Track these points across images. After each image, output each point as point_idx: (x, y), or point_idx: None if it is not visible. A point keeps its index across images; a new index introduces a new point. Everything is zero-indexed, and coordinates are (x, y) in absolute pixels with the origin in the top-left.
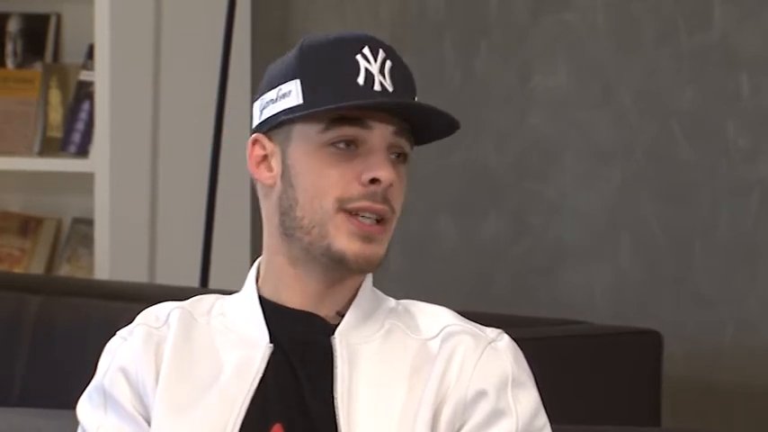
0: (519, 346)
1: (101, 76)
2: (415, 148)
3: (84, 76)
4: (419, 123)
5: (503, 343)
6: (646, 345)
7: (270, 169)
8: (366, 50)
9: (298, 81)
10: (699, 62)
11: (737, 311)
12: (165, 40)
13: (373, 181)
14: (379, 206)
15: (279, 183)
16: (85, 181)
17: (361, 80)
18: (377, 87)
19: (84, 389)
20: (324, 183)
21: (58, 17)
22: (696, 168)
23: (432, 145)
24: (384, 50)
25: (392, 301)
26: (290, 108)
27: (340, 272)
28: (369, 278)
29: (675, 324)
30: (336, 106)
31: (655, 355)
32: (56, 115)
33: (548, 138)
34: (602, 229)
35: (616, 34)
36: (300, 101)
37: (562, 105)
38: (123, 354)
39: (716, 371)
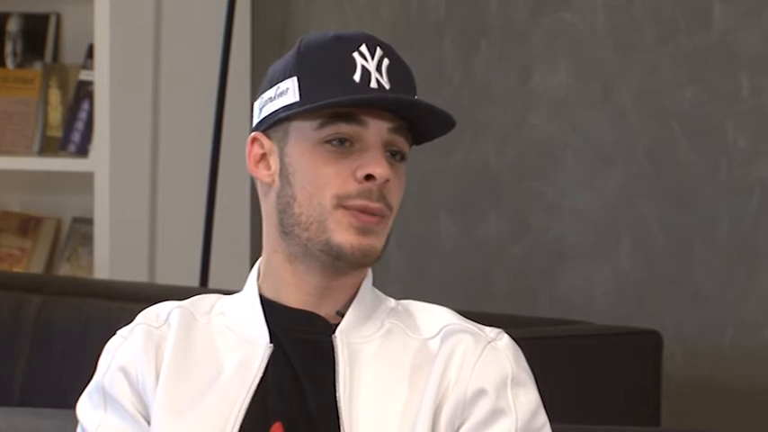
0: (519, 345)
1: (100, 76)
2: (415, 148)
3: (84, 75)
4: (415, 121)
5: (502, 342)
6: (646, 345)
7: (268, 167)
8: (363, 48)
9: (295, 78)
10: (699, 62)
11: (737, 311)
12: (165, 40)
13: (368, 177)
14: (374, 205)
15: (277, 180)
16: (85, 180)
17: (357, 77)
18: (373, 84)
19: (84, 388)
20: (320, 180)
21: (58, 17)
22: (696, 168)
23: (432, 145)
24: (382, 49)
25: (392, 301)
26: (287, 105)
27: (338, 268)
28: (369, 278)
29: (675, 324)
30: (327, 102)
31: (655, 355)
32: (56, 115)
33: (548, 138)
34: (602, 230)
35: (616, 34)
36: (297, 98)
37: (562, 105)
38: (123, 353)
39: (716, 371)
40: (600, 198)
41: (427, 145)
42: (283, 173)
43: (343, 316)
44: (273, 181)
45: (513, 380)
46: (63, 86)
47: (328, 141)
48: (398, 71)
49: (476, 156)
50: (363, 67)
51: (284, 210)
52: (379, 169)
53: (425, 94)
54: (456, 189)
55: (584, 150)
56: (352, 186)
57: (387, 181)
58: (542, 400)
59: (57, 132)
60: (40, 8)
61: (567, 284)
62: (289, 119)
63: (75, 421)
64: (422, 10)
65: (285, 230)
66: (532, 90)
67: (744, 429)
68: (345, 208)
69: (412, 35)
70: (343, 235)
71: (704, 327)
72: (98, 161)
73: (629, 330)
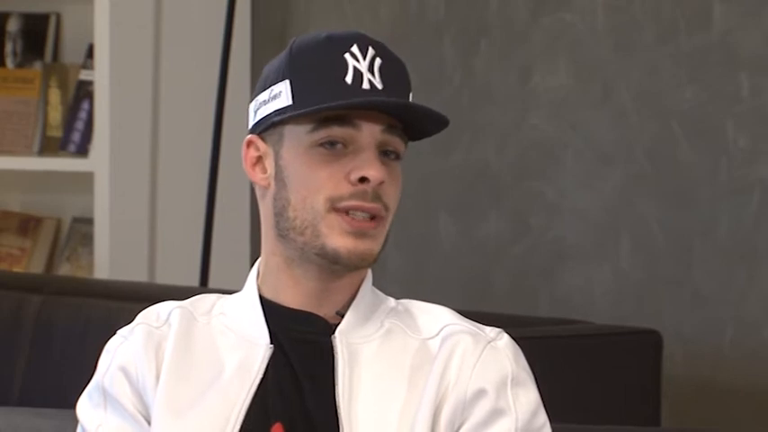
0: (519, 345)
1: (100, 76)
2: (416, 148)
3: (84, 75)
4: (409, 120)
5: (502, 342)
6: (646, 345)
7: (264, 171)
8: (355, 48)
9: (287, 82)
10: (699, 62)
11: (737, 311)
12: (165, 40)
13: (362, 180)
14: (369, 204)
15: (273, 184)
16: (85, 180)
17: (349, 79)
18: (365, 86)
19: (84, 388)
20: (314, 183)
21: (58, 17)
22: (696, 168)
23: (431, 145)
24: (374, 48)
25: (392, 301)
26: (281, 109)
27: (335, 270)
28: (368, 278)
29: (675, 324)
30: (319, 107)
31: (655, 355)
32: (55, 115)
33: (548, 138)
34: (602, 229)
35: (616, 34)
36: (290, 102)
37: (562, 105)
38: (123, 353)
39: (716, 371)
40: (600, 198)
41: (427, 145)
42: (278, 176)
43: (342, 316)
44: (269, 184)
45: (513, 380)
46: (63, 86)
47: (321, 144)
48: (391, 70)
49: (476, 156)
50: (355, 68)
51: (280, 213)
52: (373, 171)
53: (425, 94)
54: (456, 189)
55: (584, 150)
56: (345, 189)
57: (381, 182)
58: (542, 399)
59: (57, 132)
60: (40, 8)
61: (567, 284)
62: (282, 122)
63: (75, 421)
64: (421, 10)
65: (281, 234)
66: (532, 90)
67: (744, 429)
68: (337, 211)
69: (411, 35)
70: (337, 239)
71: (704, 327)
72: (98, 161)
73: (629, 330)
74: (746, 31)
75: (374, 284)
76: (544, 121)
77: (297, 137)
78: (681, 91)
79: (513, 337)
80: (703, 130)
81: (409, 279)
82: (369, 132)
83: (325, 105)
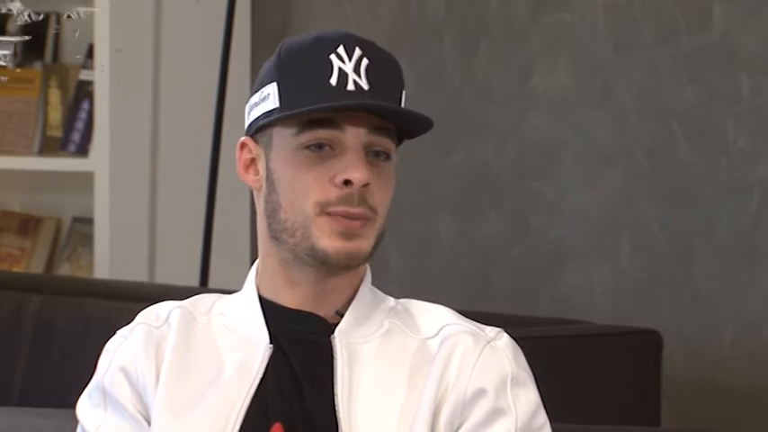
0: (519, 345)
1: (100, 76)
2: (416, 148)
3: (84, 75)
4: (395, 121)
5: (502, 342)
6: (646, 345)
7: (257, 173)
8: (341, 49)
9: (275, 84)
10: (699, 62)
11: (737, 311)
12: (165, 40)
13: (347, 182)
14: (355, 210)
15: (264, 186)
16: (85, 180)
17: (333, 81)
18: (350, 87)
19: (84, 388)
20: (301, 186)
21: (58, 17)
22: (696, 168)
23: (432, 145)
24: (361, 48)
25: (391, 301)
26: (268, 111)
27: (327, 271)
28: (368, 277)
29: (675, 324)
30: (300, 111)
31: (655, 355)
32: (55, 114)
33: (548, 138)
34: (602, 229)
35: (616, 34)
36: (277, 104)
37: (562, 105)
38: (123, 353)
39: (715, 371)
40: (600, 198)
41: (427, 145)
42: (269, 178)
43: (342, 316)
44: (261, 186)
45: (512, 379)
46: (63, 86)
47: (307, 147)
48: (379, 70)
49: (476, 156)
50: (340, 69)
51: (271, 215)
52: (357, 174)
53: (425, 94)
54: (456, 189)
55: (584, 150)
56: (332, 193)
57: (367, 184)
58: (542, 399)
59: (57, 132)
60: (40, 8)
61: (567, 284)
62: (271, 125)
63: (75, 421)
64: (421, 10)
65: (274, 235)
66: (532, 90)
67: (744, 429)
68: (328, 214)
69: (411, 35)
70: (326, 240)
71: (704, 327)
72: (98, 161)
73: (629, 330)
74: (746, 31)
75: (374, 284)
76: (544, 121)
77: (284, 139)
78: (681, 91)
79: (513, 337)
80: (703, 130)
81: (409, 279)
82: (354, 134)
83: (305, 109)
